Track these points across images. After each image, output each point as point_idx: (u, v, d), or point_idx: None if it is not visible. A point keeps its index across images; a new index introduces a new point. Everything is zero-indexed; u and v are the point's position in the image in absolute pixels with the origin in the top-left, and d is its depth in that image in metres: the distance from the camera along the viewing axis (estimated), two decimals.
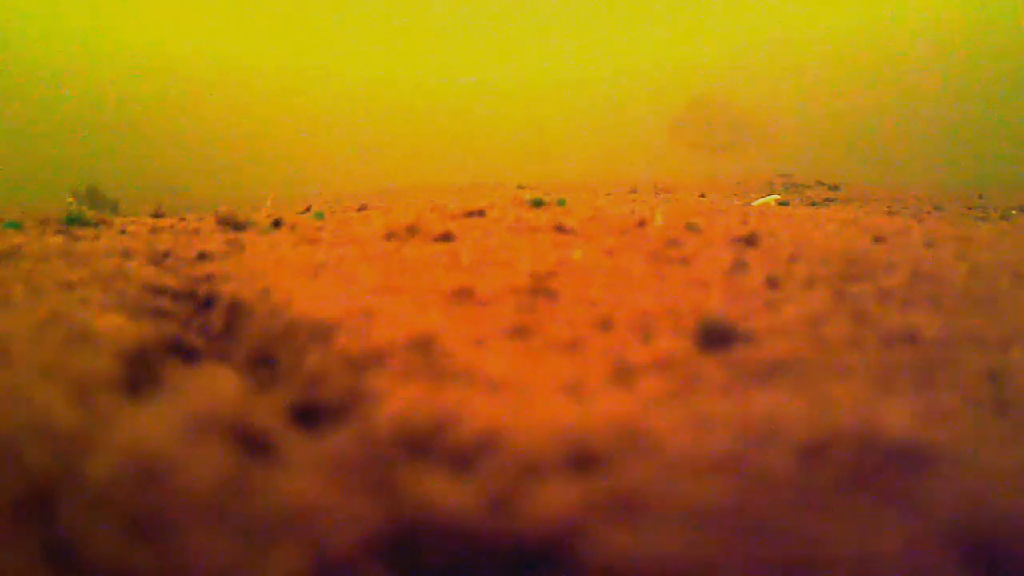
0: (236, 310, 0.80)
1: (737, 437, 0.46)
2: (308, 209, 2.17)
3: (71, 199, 2.97)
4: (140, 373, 0.62)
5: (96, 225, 1.49)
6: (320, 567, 0.39)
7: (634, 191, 3.21)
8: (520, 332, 0.66)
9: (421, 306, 0.73)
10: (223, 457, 0.45)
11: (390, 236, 1.13)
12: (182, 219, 1.74)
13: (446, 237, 1.09)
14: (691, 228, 1.17)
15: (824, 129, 8.33)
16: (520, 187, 3.60)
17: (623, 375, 0.57)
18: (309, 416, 0.57)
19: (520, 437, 0.46)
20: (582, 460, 0.44)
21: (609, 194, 2.97)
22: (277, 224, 1.39)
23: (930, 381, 0.57)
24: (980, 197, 2.92)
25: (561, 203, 1.82)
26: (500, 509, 0.41)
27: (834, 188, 3.26)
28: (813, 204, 2.33)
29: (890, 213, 1.95)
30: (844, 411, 0.49)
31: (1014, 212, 2.17)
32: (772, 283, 0.84)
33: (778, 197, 2.46)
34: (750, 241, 1.06)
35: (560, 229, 1.14)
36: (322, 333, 0.66)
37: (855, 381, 0.56)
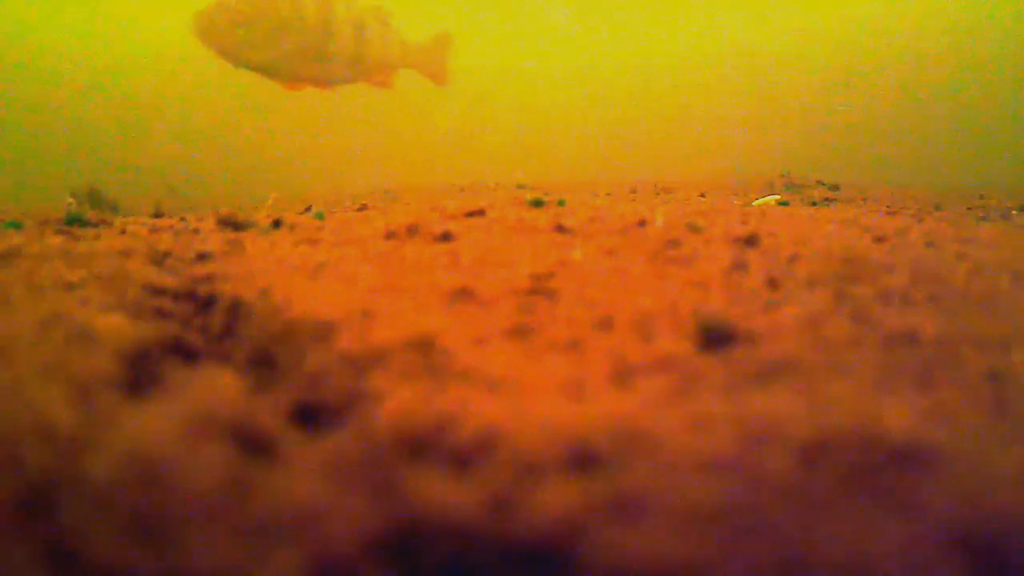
0: (236, 310, 0.80)
1: (737, 437, 0.46)
2: (308, 209, 2.17)
3: (71, 199, 2.96)
4: (140, 373, 0.62)
5: (96, 225, 1.49)
6: (320, 567, 0.39)
7: (634, 191, 3.21)
8: (520, 332, 0.66)
9: (421, 306, 0.73)
10: (223, 457, 0.45)
11: (390, 236, 1.13)
12: (182, 219, 1.74)
13: (446, 237, 1.09)
14: (691, 228, 1.17)
15: (824, 129, 8.33)
16: (520, 187, 3.60)
17: (623, 375, 0.57)
18: (309, 416, 0.57)
19: (520, 437, 0.46)
20: (582, 460, 0.44)
21: (609, 194, 2.97)
22: (277, 224, 1.39)
23: (930, 381, 0.57)
24: (980, 197, 2.92)
25: (561, 203, 1.82)
26: (500, 509, 0.41)
27: (834, 188, 3.26)
28: (813, 204, 2.33)
29: (890, 213, 1.95)
30: (844, 411, 0.49)
31: (1014, 212, 2.17)
32: (772, 283, 0.84)
33: (778, 197, 2.45)
34: (750, 241, 1.06)
35: (560, 229, 1.14)
36: (322, 333, 0.66)
37: (855, 381, 0.56)
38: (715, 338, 0.64)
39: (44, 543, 0.40)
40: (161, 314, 0.82)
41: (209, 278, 0.93)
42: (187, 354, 0.73)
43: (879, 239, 1.18)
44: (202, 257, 1.07)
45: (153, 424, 0.47)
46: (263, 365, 0.69)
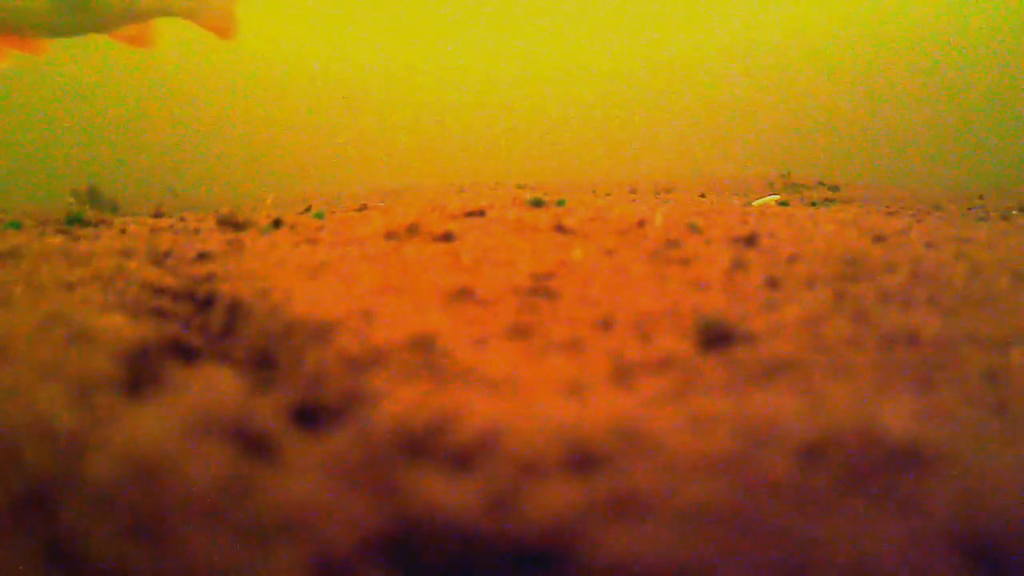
0: (236, 310, 0.80)
1: (737, 437, 0.46)
2: (308, 209, 2.17)
3: (71, 199, 2.94)
4: (140, 373, 0.62)
5: (96, 225, 1.49)
6: (320, 567, 0.39)
7: (634, 191, 3.21)
8: (520, 332, 0.66)
9: (421, 306, 0.73)
10: (223, 457, 0.45)
11: (390, 236, 1.13)
12: (182, 219, 1.74)
13: (446, 237, 1.09)
14: (691, 228, 1.17)
15: (824, 129, 8.33)
16: (520, 187, 3.60)
17: (623, 375, 0.57)
18: (309, 416, 0.57)
19: (520, 437, 0.46)
20: (582, 460, 0.44)
21: (609, 194, 2.97)
22: (277, 224, 1.39)
23: (930, 381, 0.57)
24: (980, 197, 2.92)
25: (561, 203, 1.82)
26: (500, 509, 0.41)
27: (834, 188, 3.25)
28: (813, 204, 2.33)
29: (890, 213, 1.95)
30: (844, 411, 0.49)
31: (1014, 212, 2.17)
32: (772, 283, 0.84)
33: (778, 197, 2.46)
34: (750, 241, 1.06)
35: (560, 229, 1.14)
36: (322, 333, 0.66)
37: (855, 381, 0.56)
38: (715, 338, 0.64)
39: (44, 543, 0.40)
40: (161, 314, 0.82)
41: (209, 278, 0.93)
42: (187, 354, 0.73)
43: (879, 239, 1.18)
44: (202, 257, 1.07)
45: (153, 424, 0.47)
46: (263, 365, 0.69)
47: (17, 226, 1.45)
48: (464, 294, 0.77)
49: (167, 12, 2.86)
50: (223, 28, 2.99)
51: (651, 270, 0.89)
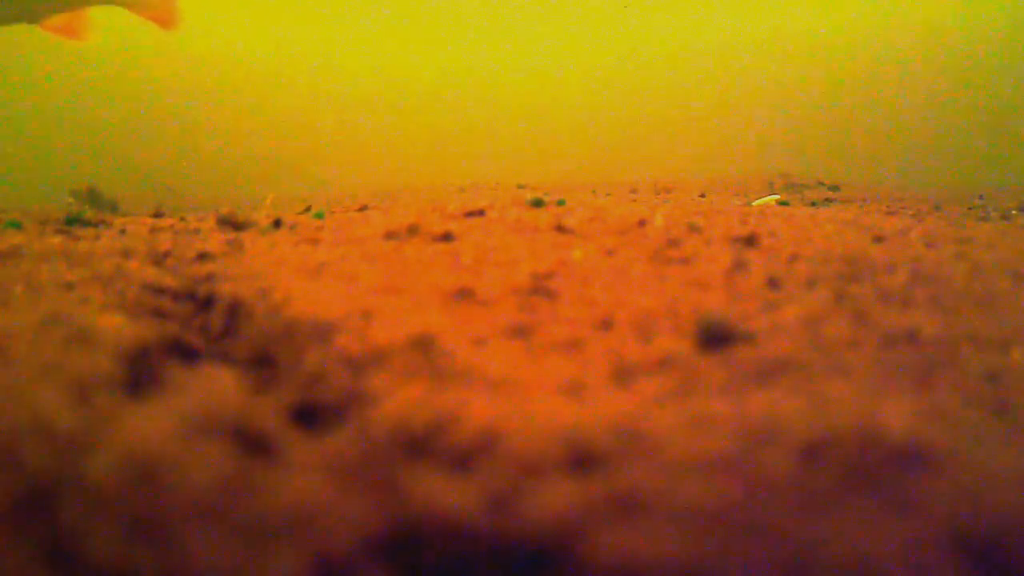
0: (236, 310, 0.80)
1: (737, 437, 0.46)
2: (308, 209, 2.17)
3: (71, 199, 2.92)
4: (140, 373, 0.62)
5: (96, 225, 1.49)
6: (320, 567, 0.39)
7: (634, 191, 3.21)
8: (520, 332, 0.66)
9: (421, 306, 0.73)
10: (223, 457, 0.45)
11: (390, 236, 1.13)
12: (182, 219, 1.74)
13: (446, 237, 1.09)
14: (691, 228, 1.17)
15: (824, 129, 8.33)
16: (520, 187, 3.59)
17: (623, 375, 0.57)
18: (309, 416, 0.57)
19: (520, 437, 0.46)
20: (582, 460, 0.44)
21: (609, 194, 2.97)
22: (277, 224, 1.39)
23: (930, 381, 0.58)
24: (980, 197, 2.92)
25: (561, 203, 1.82)
26: (500, 509, 0.41)
27: (834, 188, 3.26)
28: (813, 204, 2.33)
29: (890, 213, 1.95)
30: (844, 411, 0.49)
31: (1014, 212, 2.17)
32: (772, 283, 0.84)
33: (778, 197, 2.46)
34: (750, 241, 1.06)
35: (560, 229, 1.14)
36: (322, 333, 0.66)
37: (855, 381, 0.56)
38: (715, 338, 0.64)
39: (44, 543, 0.40)
40: (161, 314, 0.82)
41: (209, 278, 0.93)
42: (187, 354, 0.73)
43: (879, 239, 1.18)
44: (202, 257, 1.07)
45: (153, 424, 0.47)
46: (263, 365, 0.69)
47: (17, 226, 1.45)
48: (464, 294, 0.77)
49: (100, 2, 2.62)
50: (164, 18, 2.78)
51: (651, 270, 0.89)
